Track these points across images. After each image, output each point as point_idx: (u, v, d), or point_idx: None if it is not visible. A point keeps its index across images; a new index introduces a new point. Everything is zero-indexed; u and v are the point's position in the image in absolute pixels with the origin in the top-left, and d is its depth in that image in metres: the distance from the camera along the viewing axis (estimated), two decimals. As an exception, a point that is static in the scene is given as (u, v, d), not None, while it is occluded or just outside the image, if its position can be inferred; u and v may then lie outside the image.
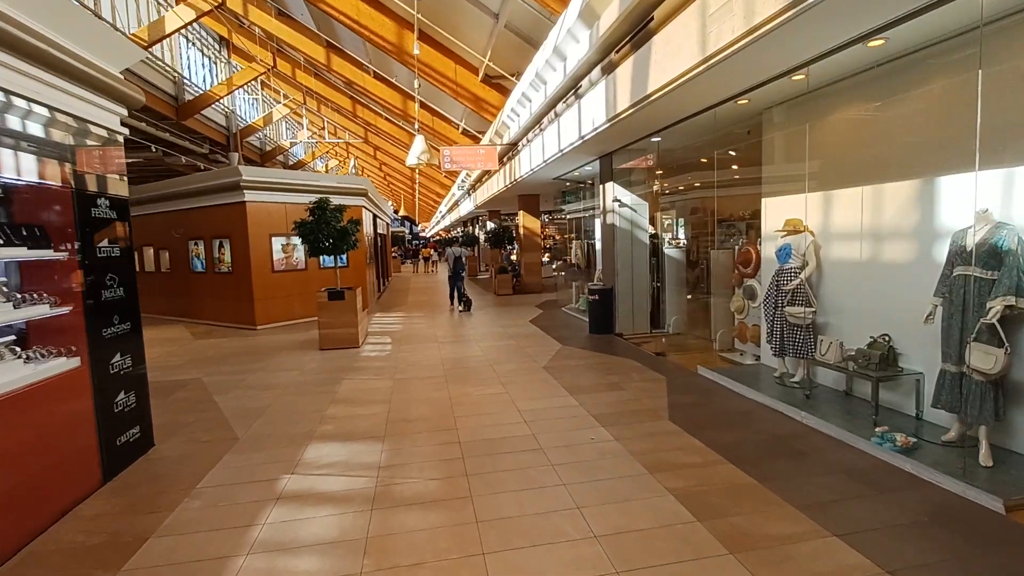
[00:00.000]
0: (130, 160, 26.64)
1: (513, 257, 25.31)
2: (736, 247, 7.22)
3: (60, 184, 3.55)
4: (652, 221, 9.26)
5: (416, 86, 16.79)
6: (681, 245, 8.99)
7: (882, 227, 4.88)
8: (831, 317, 5.45)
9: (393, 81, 21.25)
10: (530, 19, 11.88)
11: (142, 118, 24.02)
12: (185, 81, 26.00)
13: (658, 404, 5.26)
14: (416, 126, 22.03)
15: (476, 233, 29.25)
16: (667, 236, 9.48)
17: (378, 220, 18.53)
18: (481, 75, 15.81)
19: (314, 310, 8.82)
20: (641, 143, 8.11)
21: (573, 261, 12.45)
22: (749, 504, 3.28)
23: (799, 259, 5.52)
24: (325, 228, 8.37)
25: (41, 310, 3.29)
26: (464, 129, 22.54)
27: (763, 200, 6.39)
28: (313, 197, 8.61)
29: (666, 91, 5.20)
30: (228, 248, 11.29)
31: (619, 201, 8.83)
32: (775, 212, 6.12)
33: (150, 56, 21.85)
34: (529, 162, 11.02)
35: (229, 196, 10.94)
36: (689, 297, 9.11)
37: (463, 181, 22.09)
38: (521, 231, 16.75)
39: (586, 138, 7.44)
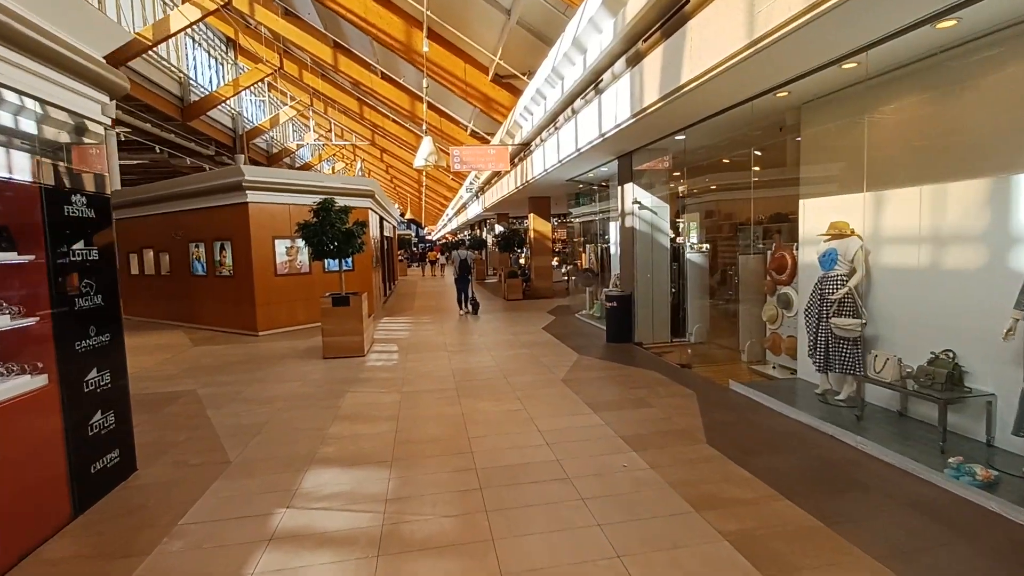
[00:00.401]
0: (135, 161, 26.46)
1: (522, 261, 24.86)
2: (768, 252, 6.73)
3: (26, 179, 3.13)
4: (674, 226, 8.79)
5: (424, 86, 16.40)
6: (704, 250, 8.52)
7: (944, 230, 4.39)
8: (883, 330, 4.95)
9: (401, 82, 20.91)
10: (543, 14, 11.45)
11: (147, 119, 23.84)
12: (191, 82, 25.83)
13: (692, 424, 4.78)
14: (424, 127, 21.70)
15: (484, 236, 28.84)
16: (689, 240, 9.00)
17: (385, 222, 18.13)
18: (491, 74, 15.41)
19: (318, 316, 8.40)
20: (663, 142, 7.65)
21: (587, 266, 11.99)
22: (819, 553, 2.79)
23: (846, 265, 5.03)
24: (330, 230, 7.95)
25: None
26: (473, 131, 22.16)
27: (801, 201, 5.90)
28: (318, 198, 8.19)
29: (702, 81, 4.74)
30: (229, 251, 10.90)
31: (639, 203, 8.36)
32: (816, 214, 5.64)
33: (152, 53, 21.63)
34: (543, 163, 10.58)
35: (231, 197, 10.55)
36: (712, 305, 8.62)
37: (471, 183, 21.69)
38: (531, 234, 16.30)
39: (607, 136, 6.99)
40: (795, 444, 4.30)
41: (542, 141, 10.47)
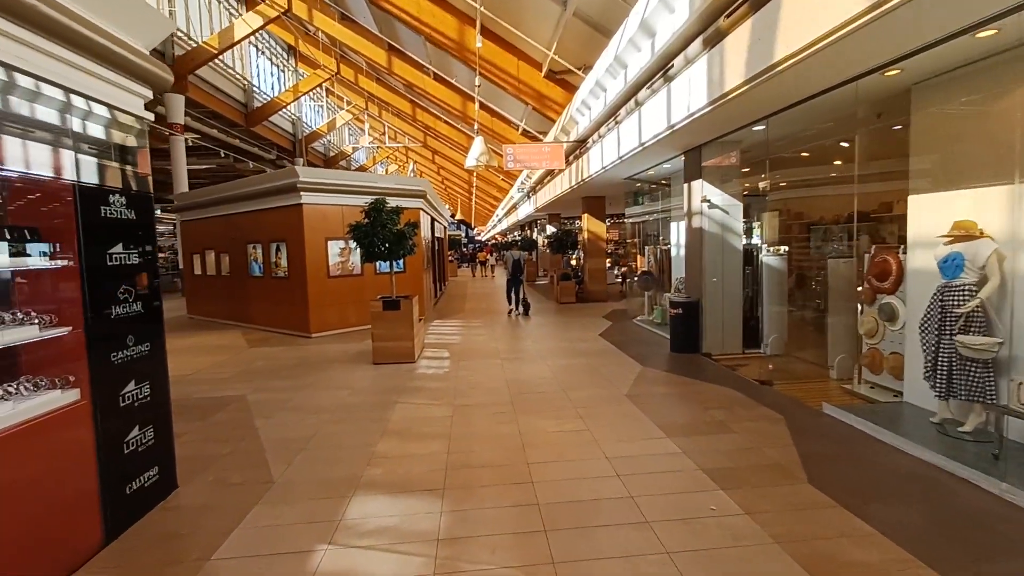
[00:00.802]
0: (203, 167, 27.61)
1: (573, 262, 24.21)
2: (865, 255, 5.90)
3: (59, 177, 2.91)
4: (746, 226, 8.01)
5: (476, 85, 16.13)
6: (782, 252, 7.70)
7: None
8: (1025, 350, 4.12)
9: (453, 82, 20.77)
10: (601, 4, 10.85)
11: (214, 124, 24.82)
12: (254, 89, 26.76)
13: (787, 456, 4.12)
14: (475, 127, 21.50)
15: (535, 237, 28.38)
16: (763, 241, 8.19)
17: (436, 223, 17.99)
18: (545, 70, 14.93)
19: (368, 318, 8.18)
20: (738, 133, 6.93)
21: (646, 268, 11.30)
22: (991, 652, 2.14)
23: (975, 273, 4.22)
24: (381, 231, 7.69)
25: (26, 333, 2.64)
26: (524, 130, 21.75)
27: (911, 197, 5.09)
28: (370, 199, 7.96)
29: (800, 58, 4.08)
30: (284, 252, 10.93)
31: (708, 201, 7.65)
32: (930, 212, 4.82)
33: (219, 62, 22.43)
34: (600, 160, 9.99)
35: (286, 198, 10.55)
36: (791, 313, 7.78)
37: (523, 183, 21.28)
38: (585, 235, 15.70)
39: (676, 127, 6.36)
40: (920, 488, 3.57)
41: (600, 137, 9.89)
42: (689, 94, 5.85)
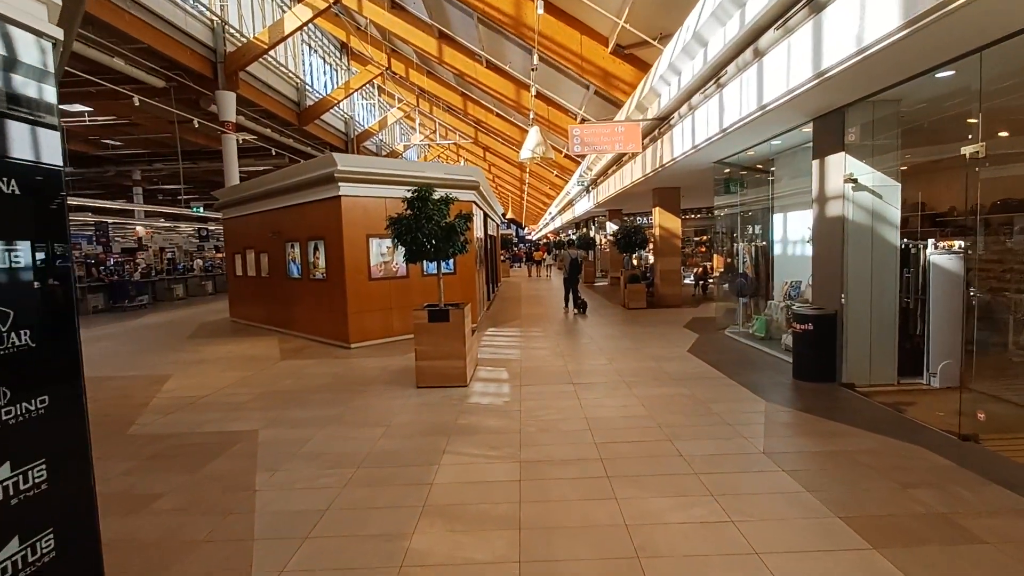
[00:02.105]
0: (259, 168, 27.46)
1: (636, 262, 22.21)
2: None
3: None
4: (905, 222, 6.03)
5: (532, 67, 14.57)
6: (959, 249, 5.69)
7: None
8: None
9: (507, 68, 19.31)
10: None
11: (267, 124, 24.44)
12: (307, 87, 26.32)
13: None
14: (530, 117, 19.95)
15: (592, 235, 26.56)
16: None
17: (489, 220, 16.57)
18: (611, 45, 13.17)
19: (413, 327, 6.77)
20: (898, 89, 5.03)
21: (742, 270, 9.40)
22: None
23: None
24: (426, 225, 6.25)
25: None
26: (584, 118, 20.01)
27: None
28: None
29: None
30: (323, 251, 9.74)
31: (854, 181, 5.74)
32: None
33: (271, 59, 21.93)
34: (689, 138, 8.19)
35: (323, 191, 9.35)
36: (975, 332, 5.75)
37: (582, 175, 19.54)
38: (656, 231, 13.82)
39: (831, 74, 4.55)
40: None
41: (690, 110, 8.09)
42: (861, 18, 4.04)
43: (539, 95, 19.87)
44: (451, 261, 10.39)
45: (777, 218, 8.97)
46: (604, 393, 5.98)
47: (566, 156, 26.52)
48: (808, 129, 6.81)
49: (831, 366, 6.03)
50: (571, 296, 13.18)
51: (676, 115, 8.88)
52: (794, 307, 6.44)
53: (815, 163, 6.29)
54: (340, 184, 8.95)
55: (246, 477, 4.05)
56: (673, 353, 7.98)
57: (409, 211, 6.36)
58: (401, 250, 6.54)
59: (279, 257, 11.10)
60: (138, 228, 30.65)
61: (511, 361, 7.83)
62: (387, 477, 3.95)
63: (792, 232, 8.57)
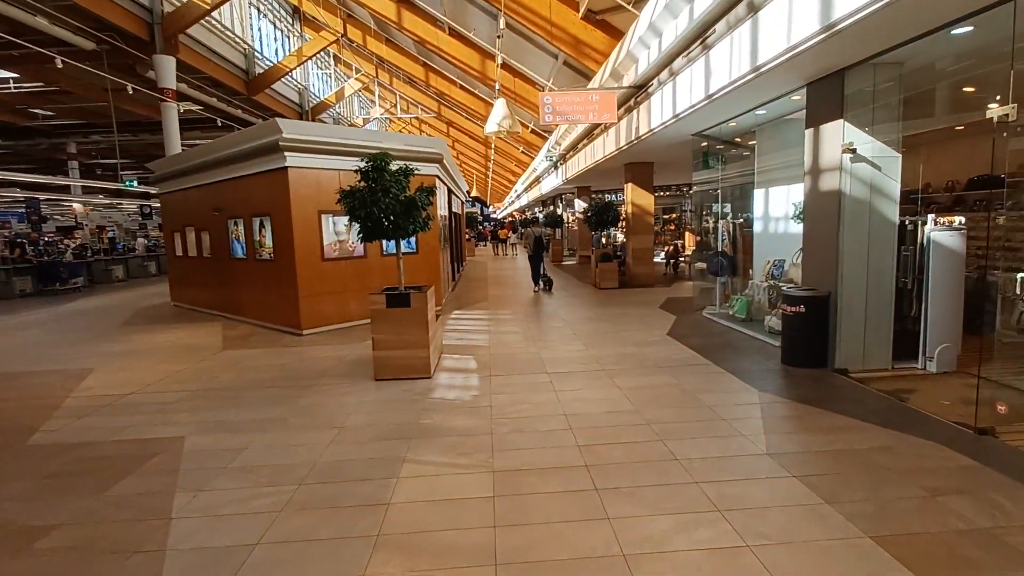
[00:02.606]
0: (206, 141, 25.72)
1: (606, 240, 21.82)
2: None
3: None
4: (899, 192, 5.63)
5: (500, 31, 13.70)
6: (960, 225, 5.34)
7: None
8: None
9: (471, 36, 18.32)
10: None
11: (213, 93, 22.62)
12: (256, 54, 24.47)
13: None
14: (496, 88, 19.08)
15: (560, 213, 26.01)
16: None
17: (453, 196, 15.75)
18: (583, 10, 12.42)
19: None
20: (903, 51, 4.56)
21: (720, 248, 8.99)
22: None
23: None
24: (383, 199, 5.50)
25: None
26: (552, 90, 19.25)
27: None
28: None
29: None
30: (269, 229, 8.81)
31: (852, 151, 5.29)
32: None
33: (216, 22, 20.21)
34: (669, 107, 7.62)
35: (268, 161, 8.38)
36: (972, 313, 5.46)
37: (550, 151, 18.86)
38: (629, 209, 13.34)
39: (841, 28, 4.01)
40: None
41: (672, 75, 7.50)
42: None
43: (505, 66, 18.97)
44: (413, 240, 9.64)
45: (758, 193, 8.57)
46: (583, 384, 5.44)
47: (533, 131, 25.73)
48: (798, 97, 6.34)
49: (823, 351, 5.65)
50: (537, 274, 13.38)
51: (655, 82, 8.29)
52: (784, 288, 6.01)
53: (808, 132, 5.82)
54: (287, 154, 8.02)
55: (162, 500, 3.32)
56: (653, 337, 7.52)
57: (363, 183, 5.58)
58: (355, 227, 5.77)
59: (222, 235, 10.08)
60: (75, 205, 28.40)
61: (479, 348, 7.21)
62: (335, 496, 3.30)
63: (774, 208, 8.18)
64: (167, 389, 5.74)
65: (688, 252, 16.82)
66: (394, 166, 5.74)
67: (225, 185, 9.69)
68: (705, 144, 9.41)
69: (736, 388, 5.14)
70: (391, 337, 5.69)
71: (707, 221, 10.30)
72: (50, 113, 24.06)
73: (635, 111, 9.33)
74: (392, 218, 5.61)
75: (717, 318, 8.58)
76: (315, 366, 6.49)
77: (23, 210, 25.98)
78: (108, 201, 28.07)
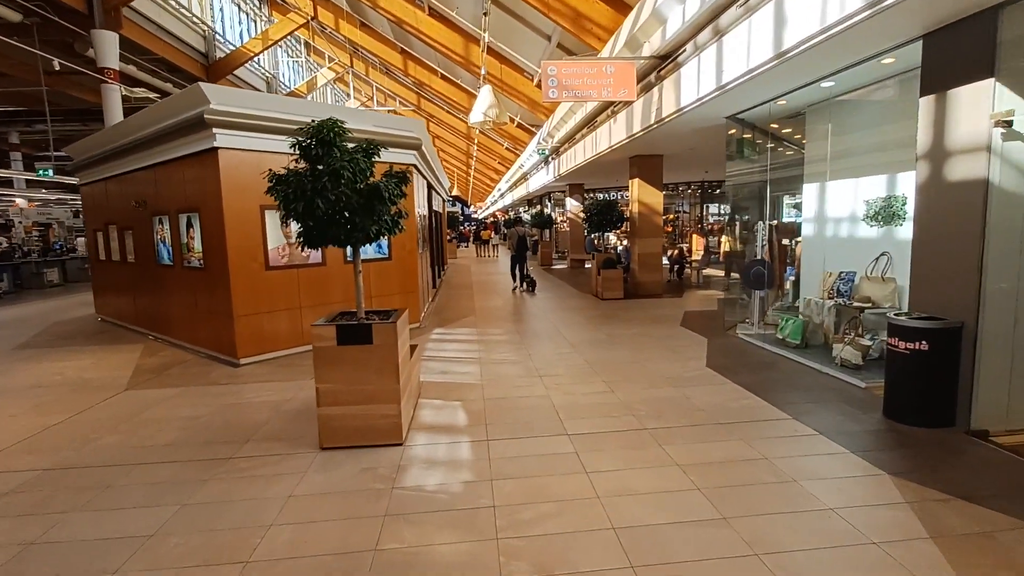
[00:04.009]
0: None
1: (595, 242, 20.18)
2: None
3: None
4: None
5: (486, 5, 12.00)
6: None
7: None
8: None
9: (453, 16, 16.57)
10: None
11: (168, 78, 20.31)
12: (217, 37, 22.24)
13: None
14: (481, 74, 17.35)
15: (550, 213, 24.36)
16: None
17: (434, 193, 13.95)
18: (585, -24, 10.81)
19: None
20: None
21: (759, 255, 7.41)
22: None
23: None
24: (332, 187, 3.72)
25: None
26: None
27: None
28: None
29: None
30: (197, 228, 6.93)
31: (1008, 125, 3.70)
32: None
33: (172, 1, 18.10)
34: (712, 76, 5.99)
35: (192, 141, 6.51)
36: None
37: (541, 144, 17.17)
38: (635, 208, 11.73)
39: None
40: None
41: (717, 34, 5.87)
42: None
43: (491, 51, 17.27)
44: (384, 242, 7.85)
45: (810, 190, 7.01)
46: (624, 457, 3.74)
47: (519, 125, 24.05)
48: (890, 60, 4.77)
49: (950, 403, 4.07)
50: (519, 273, 13.37)
51: (687, 48, 6.65)
52: (889, 316, 4.40)
53: (926, 101, 4.22)
54: (216, 131, 6.15)
55: None
56: (689, 369, 5.87)
57: (299, 160, 3.81)
58: (290, 227, 3.98)
59: (147, 236, 8.14)
60: (18, 200, 25.77)
61: (469, 386, 5.46)
62: None
63: (832, 207, 6.62)
64: (15, 463, 3.87)
65: (695, 257, 15.30)
66: (354, 143, 3.98)
67: (147, 173, 7.76)
68: (737, 132, 7.81)
69: (850, 467, 3.50)
70: (345, 387, 3.92)
71: (735, 224, 8.73)
72: (-12, 99, 21.59)
73: (656, 88, 7.69)
74: (347, 215, 3.84)
75: (759, 341, 6.99)
76: (241, 419, 4.66)
77: (-47, 205, 23.37)
78: (50, 196, 25.52)
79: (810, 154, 6.98)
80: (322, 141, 3.79)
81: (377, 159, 4.15)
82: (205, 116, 6.01)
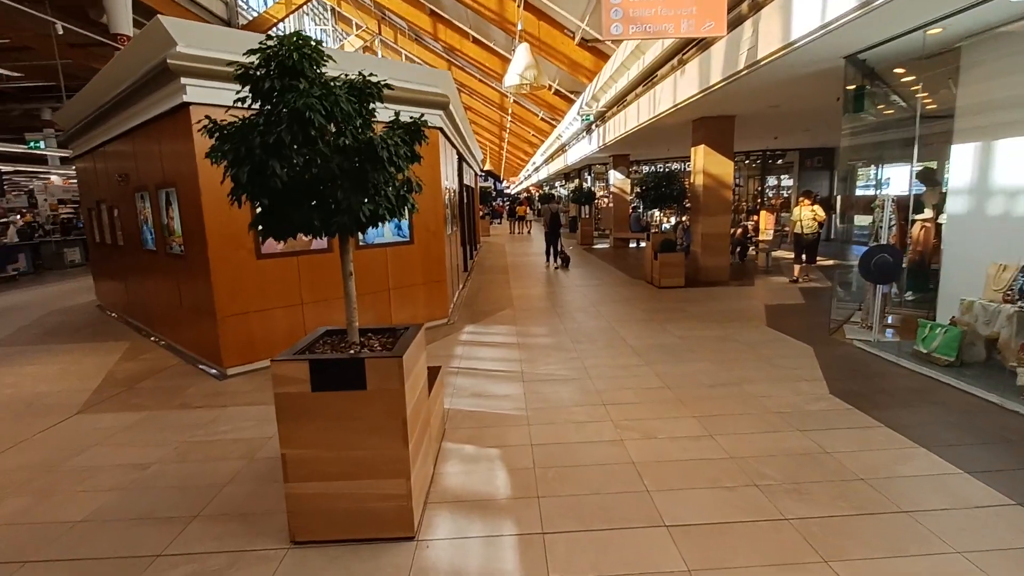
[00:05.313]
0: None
1: (646, 220, 18.36)
2: None
3: None
4: None
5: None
6: None
7: None
8: None
9: (487, -34, 14.82)
10: None
11: (188, 48, 19.16)
12: (239, 3, 21.06)
13: None
14: (517, 31, 15.61)
15: (590, 187, 22.56)
16: None
17: (465, 164, 12.43)
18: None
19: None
20: None
21: (885, 239, 5.69)
22: None
23: None
24: (295, 138, 2.30)
25: None
26: (584, 38, 15.68)
27: None
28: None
29: None
30: (176, 207, 5.65)
31: None
32: None
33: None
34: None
35: (160, 98, 5.19)
36: None
37: (583, 109, 15.34)
38: (699, 180, 9.97)
39: None
40: None
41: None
42: None
43: (528, 4, 15.46)
44: (404, 223, 6.44)
45: (961, 152, 5.22)
46: (772, 585, 2.27)
47: (557, 93, 22.13)
48: None
49: None
50: (552, 250, 13.27)
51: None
52: None
53: None
54: (185, 82, 4.77)
55: None
56: (809, 398, 4.30)
57: (254, 97, 2.39)
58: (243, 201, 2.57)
59: (132, 216, 6.96)
60: (53, 177, 25.55)
61: (509, 422, 4.04)
62: None
63: (1000, 175, 4.84)
64: None
65: (763, 237, 13.39)
66: (337, 72, 2.53)
67: (125, 141, 6.53)
68: (855, 77, 5.98)
69: None
70: (325, 454, 2.55)
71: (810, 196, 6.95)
72: (18, 74, 21.08)
73: (750, 20, 5.93)
74: (323, 187, 2.41)
75: (884, 352, 5.33)
76: (200, 473, 3.37)
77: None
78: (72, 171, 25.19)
79: (965, 102, 5.17)
80: (283, 68, 2.34)
81: (376, 107, 2.70)
82: (169, 63, 4.63)
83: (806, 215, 9.70)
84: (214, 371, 5.38)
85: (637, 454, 3.45)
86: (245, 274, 5.35)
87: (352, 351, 2.67)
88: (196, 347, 5.82)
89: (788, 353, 5.54)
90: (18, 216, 18.18)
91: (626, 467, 3.29)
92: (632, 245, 17.85)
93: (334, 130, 2.49)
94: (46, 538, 2.76)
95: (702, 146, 9.81)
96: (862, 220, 12.14)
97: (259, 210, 2.53)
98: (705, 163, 9.82)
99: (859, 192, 9.97)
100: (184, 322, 6.00)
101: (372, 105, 2.69)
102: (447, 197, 8.02)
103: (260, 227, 2.53)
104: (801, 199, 9.96)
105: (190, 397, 4.80)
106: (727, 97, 7.73)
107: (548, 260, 13.53)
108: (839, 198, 12.81)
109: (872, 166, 8.08)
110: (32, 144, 15.00)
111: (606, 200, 22.22)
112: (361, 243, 6.25)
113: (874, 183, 6.63)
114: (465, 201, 12.21)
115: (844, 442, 3.53)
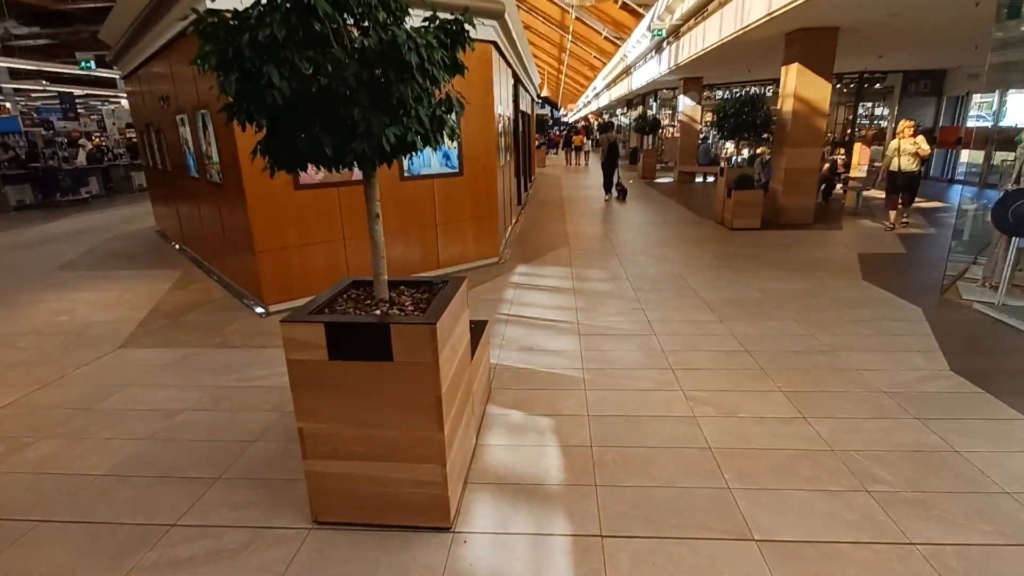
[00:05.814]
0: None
1: (711, 150, 16.78)
2: None
3: None
4: None
5: None
6: None
7: None
8: None
9: None
10: None
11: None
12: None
13: None
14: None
15: (655, 115, 20.85)
16: None
17: (521, 89, 11.44)
18: None
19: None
20: None
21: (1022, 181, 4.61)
22: None
23: None
24: (296, 37, 1.73)
25: None
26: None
27: None
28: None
29: None
30: (212, 131, 5.28)
31: None
32: None
33: None
34: None
35: (187, 6, 4.68)
36: None
37: (654, 23, 13.68)
38: (787, 106, 8.67)
39: None
40: None
41: None
42: None
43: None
44: (453, 153, 5.85)
45: None
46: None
47: (623, 6, 19.98)
48: None
49: None
50: (609, 181, 12.81)
51: None
52: None
53: None
54: (208, -17, 4.21)
55: None
56: (923, 375, 3.57)
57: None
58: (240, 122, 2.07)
59: (176, 141, 6.70)
60: (123, 101, 26.19)
61: (564, 384, 3.58)
62: None
63: None
64: None
65: (855, 174, 11.85)
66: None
67: (163, 60, 6.14)
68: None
69: None
70: (347, 430, 2.17)
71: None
72: (86, -6, 21.06)
73: None
74: (339, 101, 1.86)
75: (1016, 321, 4.43)
76: (231, 425, 3.14)
77: (58, 105, 23.94)
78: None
79: None
80: (281, -63, 1.73)
81: (411, 15, 2.07)
82: (188, -41, 4.06)
83: (907, 148, 8.12)
84: (259, 309, 5.18)
85: (714, 437, 2.92)
86: (282, 206, 4.98)
87: (379, 311, 2.21)
88: (240, 280, 5.64)
89: (892, 315, 4.73)
90: (88, 140, 18.69)
91: (702, 453, 2.78)
92: (699, 180, 16.47)
93: (353, 24, 1.90)
94: (69, 490, 2.60)
95: (795, 64, 8.43)
96: (969, 157, 10.50)
97: (263, 133, 2.02)
98: (797, 85, 8.48)
99: (969, 123, 8.32)
100: (228, 253, 5.81)
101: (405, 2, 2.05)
102: (500, 124, 7.28)
103: (262, 152, 2.04)
104: (901, 130, 8.30)
105: (230, 335, 4.62)
106: (835, 3, 6.42)
107: (606, 193, 13.00)
108: (974, 129, 10.94)
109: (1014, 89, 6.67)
110: (84, 64, 14.94)
111: (672, 130, 20.49)
112: (406, 173, 5.73)
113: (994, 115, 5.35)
114: (520, 129, 11.34)
115: (978, 439, 2.85)
